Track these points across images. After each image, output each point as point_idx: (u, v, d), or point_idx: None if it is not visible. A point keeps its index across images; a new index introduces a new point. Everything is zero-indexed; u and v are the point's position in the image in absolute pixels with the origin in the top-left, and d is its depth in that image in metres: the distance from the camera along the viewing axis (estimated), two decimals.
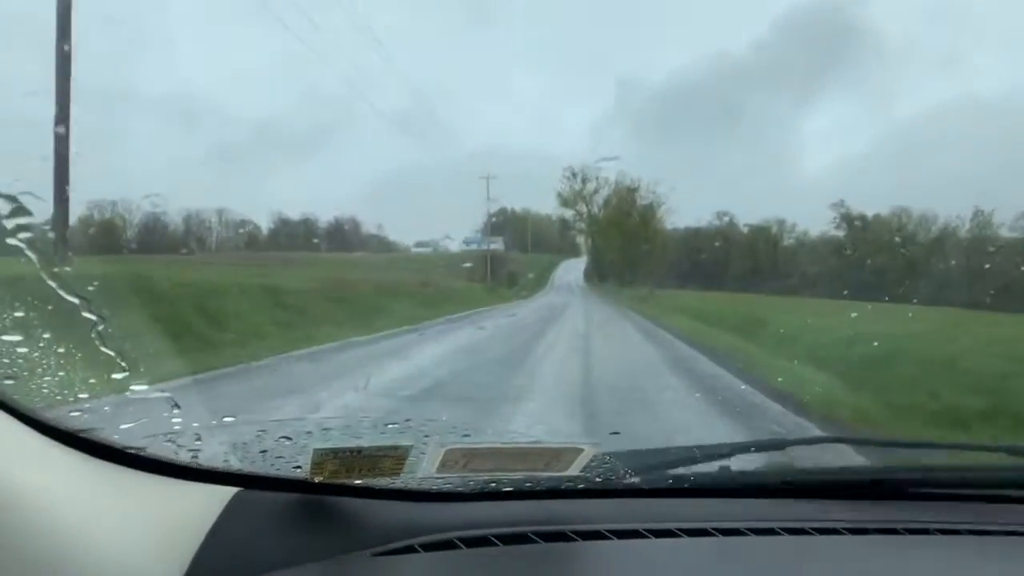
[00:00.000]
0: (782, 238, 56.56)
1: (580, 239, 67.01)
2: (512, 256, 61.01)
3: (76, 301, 1.27)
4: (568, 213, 61.26)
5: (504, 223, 66.88)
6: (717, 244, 56.27)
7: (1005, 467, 1.86)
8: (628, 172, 54.76)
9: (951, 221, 43.34)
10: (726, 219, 57.65)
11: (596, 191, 58.54)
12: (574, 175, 57.85)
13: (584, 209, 59.67)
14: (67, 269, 1.30)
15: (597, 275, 59.68)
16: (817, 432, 6.54)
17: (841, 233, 48.60)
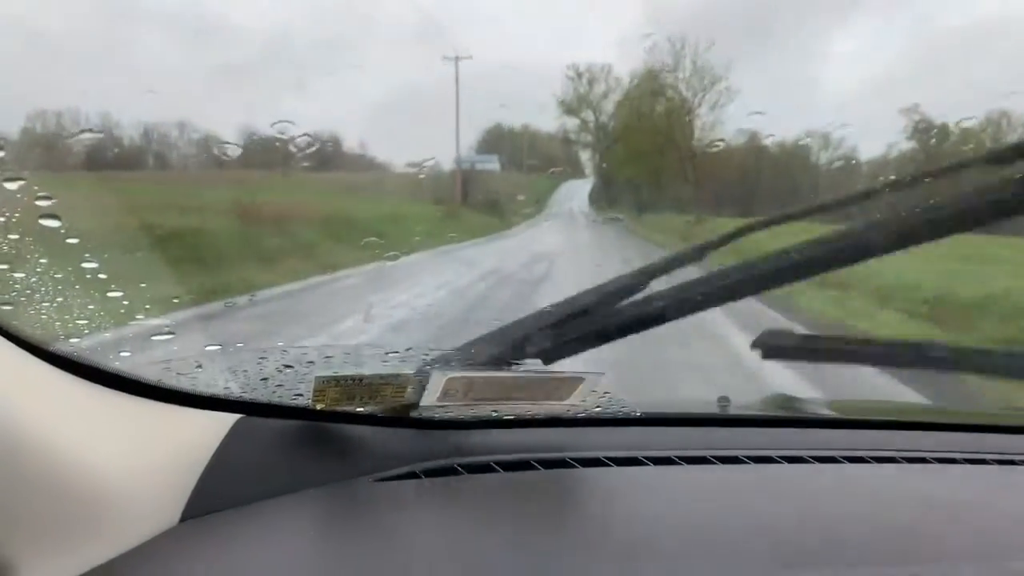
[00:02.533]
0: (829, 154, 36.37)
1: (586, 155, 51.97)
2: (507, 176, 48.81)
3: (55, 224, 1.24)
4: (571, 123, 47.11)
5: (501, 140, 54.28)
6: (763, 162, 36.58)
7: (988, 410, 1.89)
8: (657, 53, 36.55)
9: None
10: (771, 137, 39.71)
11: (606, 95, 44.53)
12: (579, 75, 44.33)
13: (591, 117, 45.86)
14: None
15: (606, 198, 46.57)
16: None
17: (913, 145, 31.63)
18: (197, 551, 1.01)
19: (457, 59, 34.57)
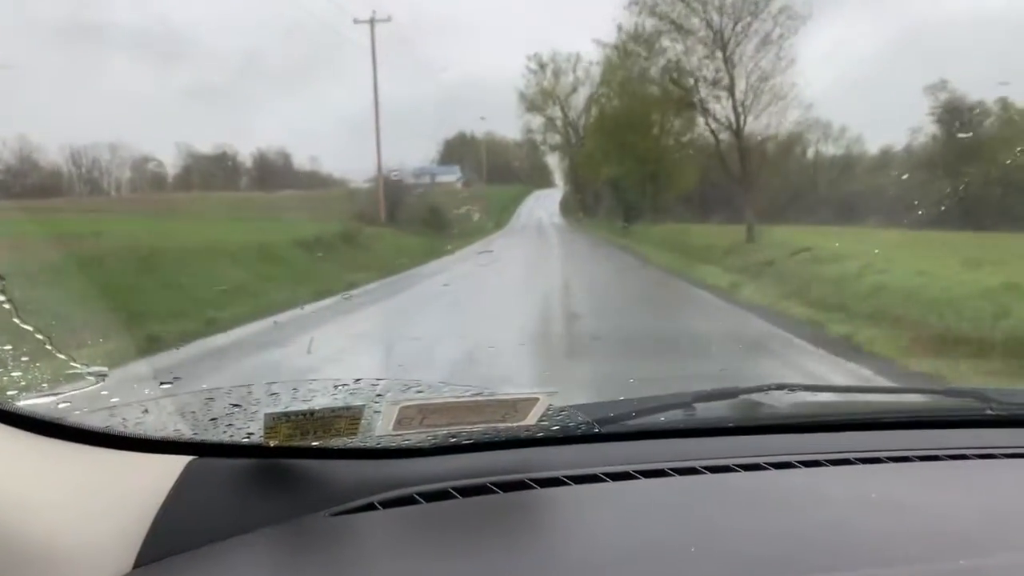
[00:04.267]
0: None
1: (553, 158, 44.97)
2: (469, 189, 41.82)
3: None
4: (536, 122, 39.68)
5: (463, 150, 47.30)
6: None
7: (943, 407, 1.91)
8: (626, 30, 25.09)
9: None
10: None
11: (575, 89, 37.89)
12: (542, 66, 37.31)
13: (558, 114, 38.83)
14: None
15: (580, 207, 38.63)
16: None
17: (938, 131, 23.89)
18: None
19: (373, 21, 26.97)
